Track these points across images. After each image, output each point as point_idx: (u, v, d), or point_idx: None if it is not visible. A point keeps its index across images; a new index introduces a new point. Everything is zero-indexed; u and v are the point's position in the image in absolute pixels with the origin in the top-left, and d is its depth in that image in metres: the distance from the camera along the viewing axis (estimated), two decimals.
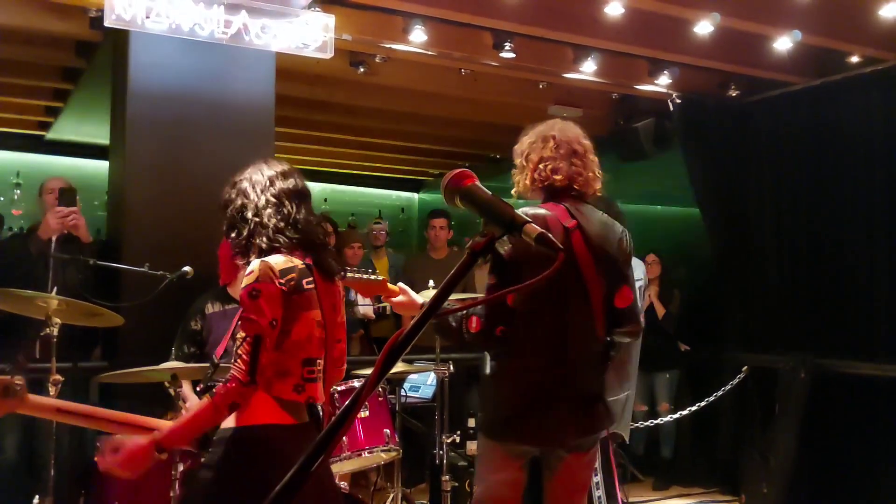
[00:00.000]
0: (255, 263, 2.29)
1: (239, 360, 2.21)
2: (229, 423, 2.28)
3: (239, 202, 2.41)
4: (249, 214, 2.38)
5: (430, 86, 5.80)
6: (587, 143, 2.77)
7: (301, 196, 2.45)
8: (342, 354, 2.52)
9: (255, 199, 2.38)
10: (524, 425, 2.53)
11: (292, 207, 2.40)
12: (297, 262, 2.34)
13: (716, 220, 6.02)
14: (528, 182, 2.73)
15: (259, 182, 2.42)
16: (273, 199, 2.38)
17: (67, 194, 3.96)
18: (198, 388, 3.33)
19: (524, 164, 2.75)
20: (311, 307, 2.34)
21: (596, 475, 3.50)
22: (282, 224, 2.36)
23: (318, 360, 2.39)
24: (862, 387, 5.09)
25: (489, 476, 2.63)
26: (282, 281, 2.27)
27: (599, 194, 2.77)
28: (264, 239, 2.34)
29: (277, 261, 2.30)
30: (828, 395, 5.18)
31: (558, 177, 2.65)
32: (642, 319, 2.75)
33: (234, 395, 2.20)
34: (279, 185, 2.42)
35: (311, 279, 2.35)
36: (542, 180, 2.68)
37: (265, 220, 2.36)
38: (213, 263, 4.01)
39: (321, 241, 2.46)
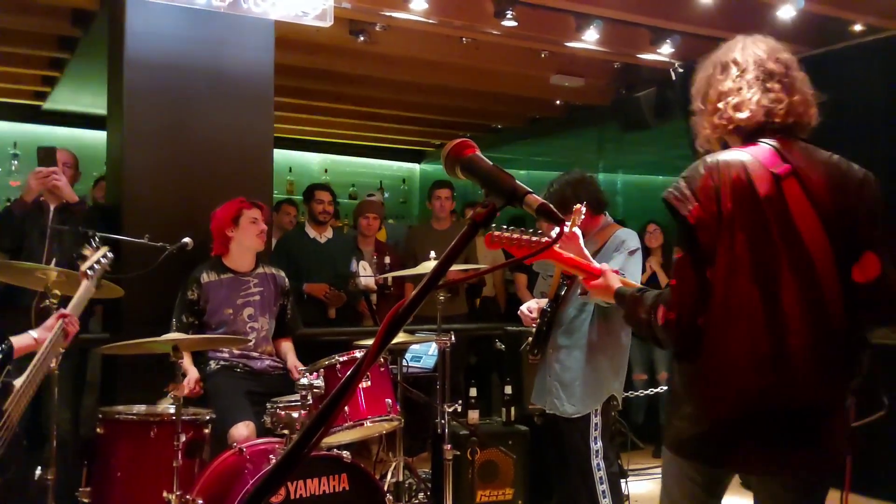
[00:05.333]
0: None
1: None
2: None
3: None
4: None
5: (431, 55, 5.75)
6: (787, 56, 2.09)
7: None
8: None
9: None
10: (720, 446, 1.97)
11: None
12: None
13: None
14: (708, 129, 2.10)
15: None
16: None
17: (47, 154, 3.89)
18: None
19: (702, 106, 2.12)
20: None
21: (595, 443, 3.50)
22: None
23: None
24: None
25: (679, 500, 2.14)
26: None
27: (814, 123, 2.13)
28: None
29: None
30: None
31: (743, 114, 2.01)
32: None
33: None
34: None
35: None
36: (726, 122, 2.04)
37: None
38: (210, 233, 4.01)
39: None
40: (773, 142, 2.00)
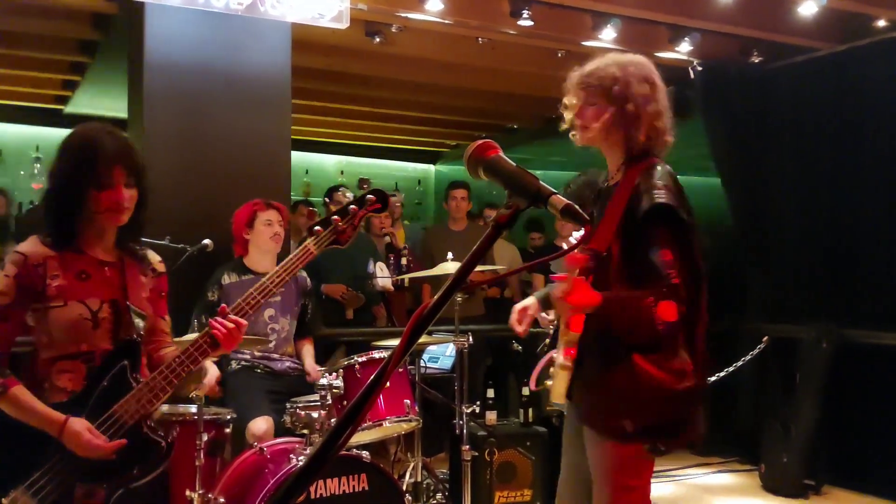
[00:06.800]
0: None
1: None
2: None
3: None
4: None
5: (446, 55, 5.74)
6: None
7: None
8: None
9: None
10: (687, 431, 2.22)
11: None
12: None
13: (737, 189, 5.95)
14: (641, 137, 2.22)
15: None
16: None
17: None
18: None
19: (636, 112, 2.22)
20: None
21: None
22: None
23: None
24: (884, 357, 5.06)
25: (645, 486, 2.32)
26: None
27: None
28: None
29: None
30: (849, 365, 5.15)
31: (670, 138, 2.25)
32: None
33: None
34: None
35: None
36: (654, 139, 2.24)
37: None
38: (232, 235, 4.03)
39: None
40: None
